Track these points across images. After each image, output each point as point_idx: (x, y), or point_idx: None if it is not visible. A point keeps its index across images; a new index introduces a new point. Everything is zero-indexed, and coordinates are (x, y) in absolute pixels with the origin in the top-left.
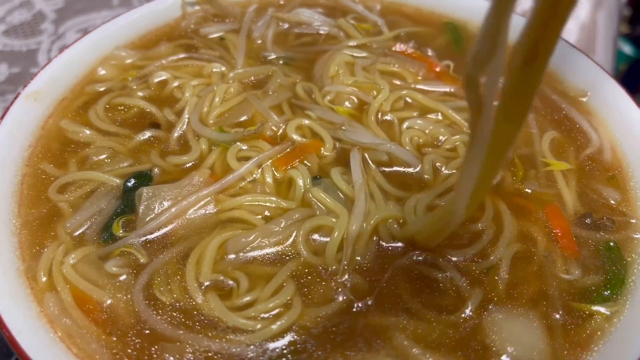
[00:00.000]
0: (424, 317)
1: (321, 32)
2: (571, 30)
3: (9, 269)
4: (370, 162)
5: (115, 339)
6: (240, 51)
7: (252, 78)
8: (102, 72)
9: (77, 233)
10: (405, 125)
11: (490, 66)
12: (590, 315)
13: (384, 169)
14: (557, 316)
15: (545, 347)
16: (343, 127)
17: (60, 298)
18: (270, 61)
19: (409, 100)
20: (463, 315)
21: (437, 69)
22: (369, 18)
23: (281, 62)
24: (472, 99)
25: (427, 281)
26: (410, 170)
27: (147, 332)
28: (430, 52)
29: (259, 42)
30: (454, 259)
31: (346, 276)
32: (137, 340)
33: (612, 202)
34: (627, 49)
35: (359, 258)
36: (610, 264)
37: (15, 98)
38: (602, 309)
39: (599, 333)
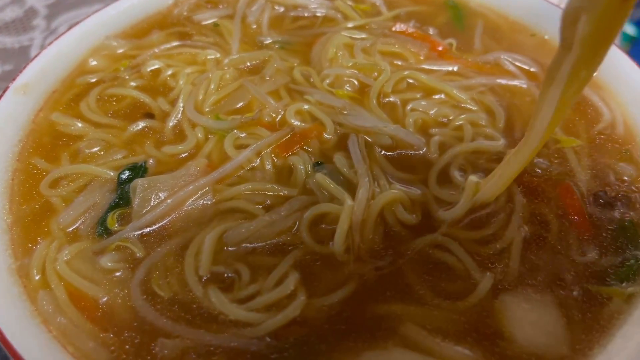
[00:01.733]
0: (433, 304)
1: (318, 14)
2: None
3: (1, 267)
4: (373, 145)
5: (112, 336)
6: (235, 37)
7: (248, 64)
8: (93, 62)
9: (70, 228)
10: (409, 107)
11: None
12: (609, 298)
13: (387, 152)
14: (573, 300)
15: (561, 331)
16: (344, 112)
17: (54, 296)
18: (266, 46)
19: (411, 81)
20: (474, 300)
21: (440, 48)
22: None
23: (277, 46)
24: (567, 38)
25: (436, 266)
26: (415, 152)
27: (146, 328)
28: (431, 31)
29: (254, 27)
30: (463, 242)
31: (352, 264)
32: (135, 337)
33: (627, 178)
34: (630, 29)
35: (365, 244)
36: (627, 243)
37: (4, 92)
38: (620, 290)
39: (617, 315)
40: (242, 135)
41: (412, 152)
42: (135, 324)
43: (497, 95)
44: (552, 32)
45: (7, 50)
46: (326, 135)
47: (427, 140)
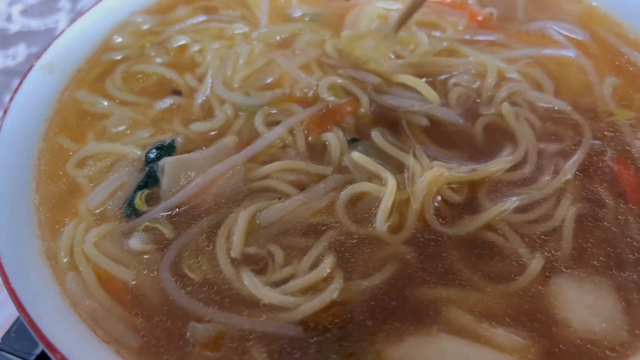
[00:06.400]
0: (479, 287)
1: None
2: None
3: (29, 249)
4: (412, 123)
5: (142, 320)
6: (264, 10)
7: (277, 37)
8: (119, 39)
9: (98, 210)
10: (451, 81)
11: None
12: None
13: (427, 125)
14: (633, 282)
15: (620, 316)
16: (378, 89)
17: (82, 278)
18: (296, 19)
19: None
20: (524, 283)
21: (480, 18)
22: None
23: (308, 19)
24: None
25: (483, 247)
26: (457, 129)
27: (177, 311)
28: (470, 0)
29: None
30: (512, 221)
31: (394, 244)
32: (166, 321)
33: None
34: None
35: (409, 226)
36: None
37: (29, 71)
38: None
39: None
40: (273, 112)
41: (454, 129)
42: (166, 307)
43: (544, 67)
44: None
45: (32, 32)
46: (362, 111)
47: (473, 121)
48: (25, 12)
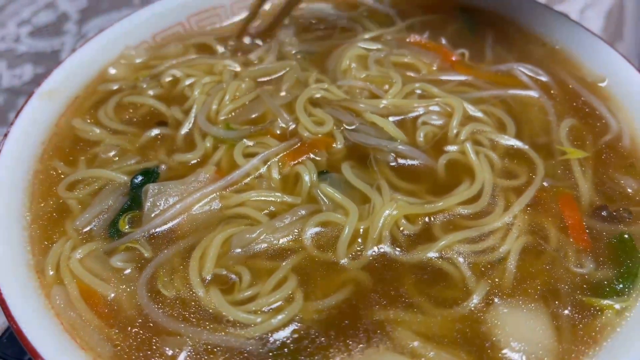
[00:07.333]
0: (426, 311)
1: (338, 25)
2: (597, 17)
3: (20, 262)
4: (378, 159)
5: (117, 331)
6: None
7: (269, 76)
8: (113, 71)
9: (85, 229)
10: (420, 120)
11: None
12: (601, 310)
13: (392, 163)
14: (566, 311)
15: (552, 342)
16: (348, 127)
17: (66, 291)
18: (289, 55)
19: (419, 92)
20: (467, 308)
21: (453, 59)
22: (380, 10)
23: (300, 56)
24: None
25: (433, 274)
26: (421, 165)
27: (149, 325)
28: (443, 41)
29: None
30: (461, 251)
31: (351, 270)
32: (138, 333)
33: (630, 191)
34: None
35: (367, 253)
36: (624, 257)
37: (30, 97)
38: (613, 304)
39: (608, 328)
40: (252, 144)
41: (419, 165)
42: (140, 320)
43: (508, 107)
44: (562, 41)
45: (39, 54)
46: (335, 146)
47: (437, 157)
48: (33, 34)
